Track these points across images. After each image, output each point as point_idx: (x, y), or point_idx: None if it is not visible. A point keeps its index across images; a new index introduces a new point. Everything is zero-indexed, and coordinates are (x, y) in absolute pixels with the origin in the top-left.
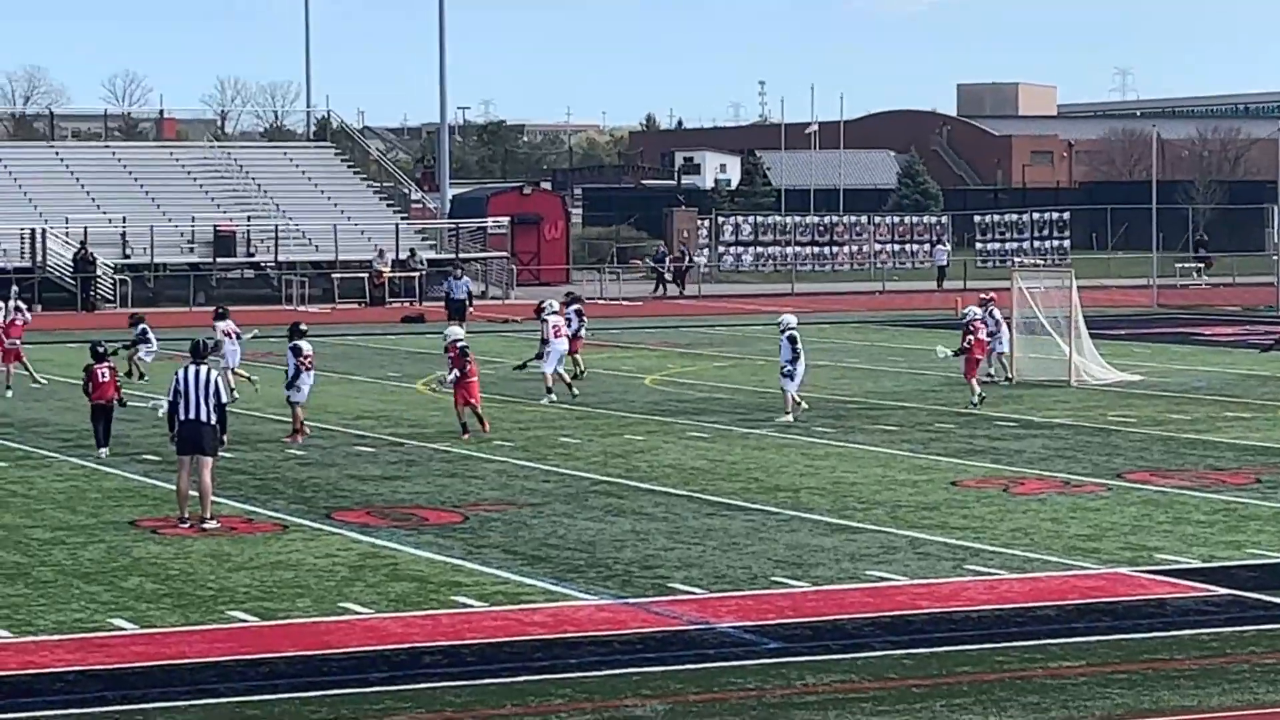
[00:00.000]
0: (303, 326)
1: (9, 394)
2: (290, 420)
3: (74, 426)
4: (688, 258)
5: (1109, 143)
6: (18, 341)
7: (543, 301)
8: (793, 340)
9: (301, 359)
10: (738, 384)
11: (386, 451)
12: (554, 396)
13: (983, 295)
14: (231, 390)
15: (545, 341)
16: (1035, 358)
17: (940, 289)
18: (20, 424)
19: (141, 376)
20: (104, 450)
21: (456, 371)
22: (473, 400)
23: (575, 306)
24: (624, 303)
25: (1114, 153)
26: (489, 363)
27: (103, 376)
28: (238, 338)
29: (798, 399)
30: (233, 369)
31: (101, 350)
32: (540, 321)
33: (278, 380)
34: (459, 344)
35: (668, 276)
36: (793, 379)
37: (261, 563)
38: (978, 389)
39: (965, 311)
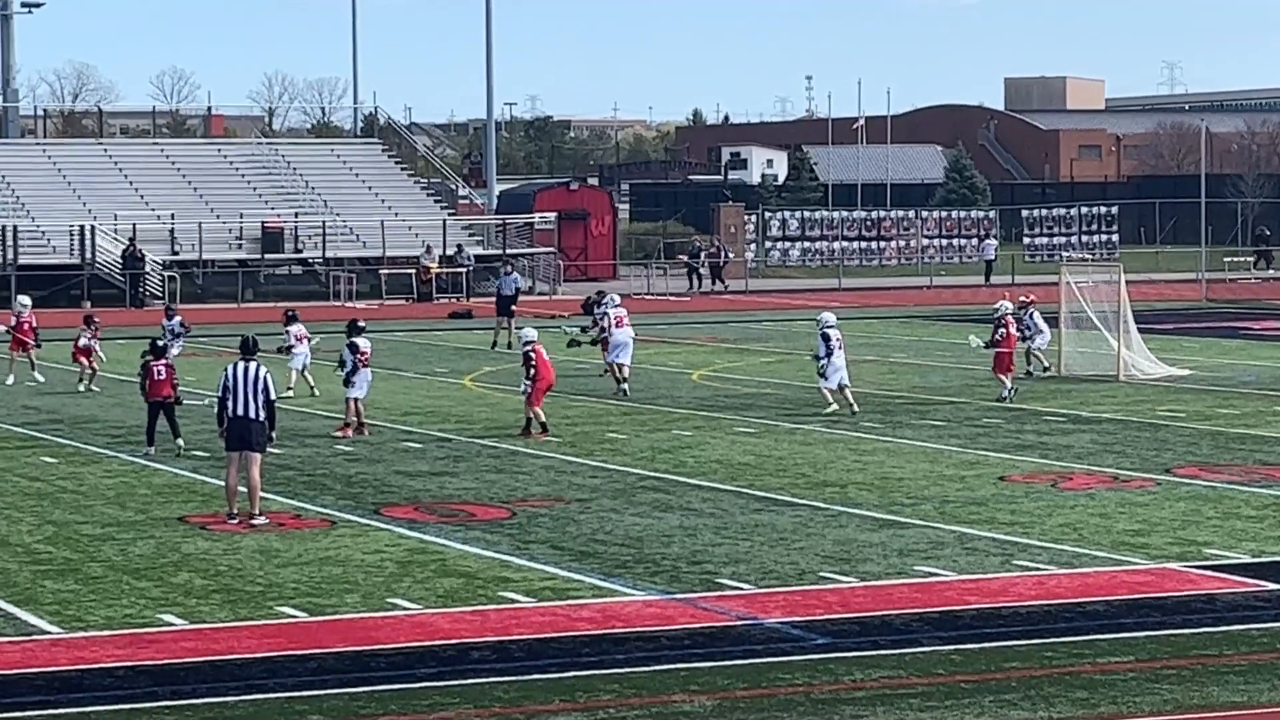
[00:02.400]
0: (361, 323)
1: (10, 380)
2: (342, 415)
3: (123, 423)
4: (724, 253)
5: (1157, 137)
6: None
7: (590, 295)
8: (825, 338)
9: (359, 355)
10: (785, 379)
11: (434, 447)
12: (622, 389)
13: (1022, 297)
14: (290, 387)
15: (605, 330)
16: (1084, 352)
17: (988, 284)
18: (70, 420)
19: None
20: (151, 448)
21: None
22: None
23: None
24: (671, 298)
25: (1162, 147)
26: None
27: (158, 374)
28: (309, 340)
29: (828, 395)
30: (302, 370)
31: (161, 346)
32: (598, 314)
33: (323, 376)
34: (531, 344)
35: (702, 271)
36: (825, 376)
37: (310, 558)
38: (1008, 383)
39: (997, 306)
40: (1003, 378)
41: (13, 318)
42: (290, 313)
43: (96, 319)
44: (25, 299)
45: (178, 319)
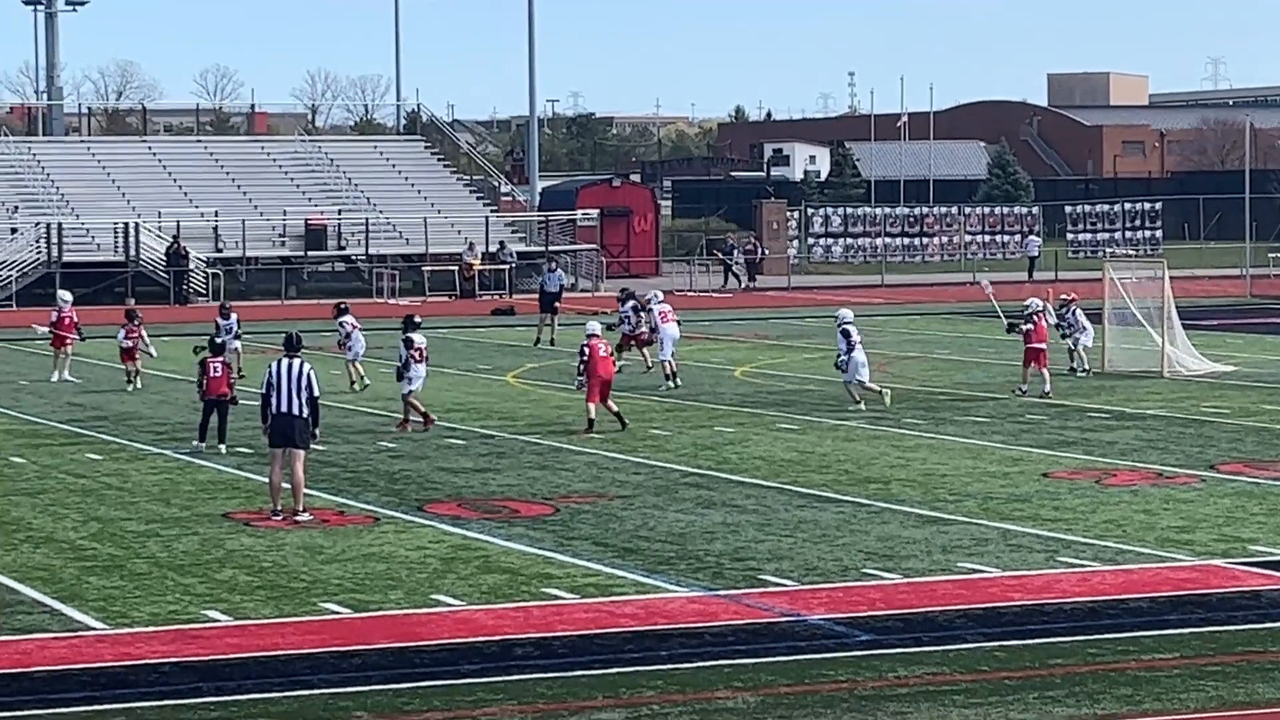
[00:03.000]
0: (416, 319)
1: (57, 378)
2: (396, 412)
3: (167, 420)
4: (759, 250)
5: (1201, 133)
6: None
7: (629, 291)
8: (845, 334)
9: (413, 350)
10: (828, 376)
11: (477, 444)
12: (673, 383)
13: (1064, 295)
14: (363, 378)
15: (655, 329)
16: (1128, 349)
17: (1031, 280)
18: (115, 417)
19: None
20: (201, 444)
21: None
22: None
23: (631, 303)
24: (714, 295)
25: (1206, 142)
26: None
27: (215, 371)
28: (359, 330)
29: (855, 393)
30: (356, 361)
31: (220, 344)
32: (644, 312)
33: (373, 373)
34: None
35: (736, 269)
36: (843, 370)
37: (354, 555)
38: (1032, 380)
39: (1029, 302)
40: (1044, 371)
41: (54, 314)
42: (341, 305)
43: (139, 314)
44: (66, 294)
45: (234, 317)
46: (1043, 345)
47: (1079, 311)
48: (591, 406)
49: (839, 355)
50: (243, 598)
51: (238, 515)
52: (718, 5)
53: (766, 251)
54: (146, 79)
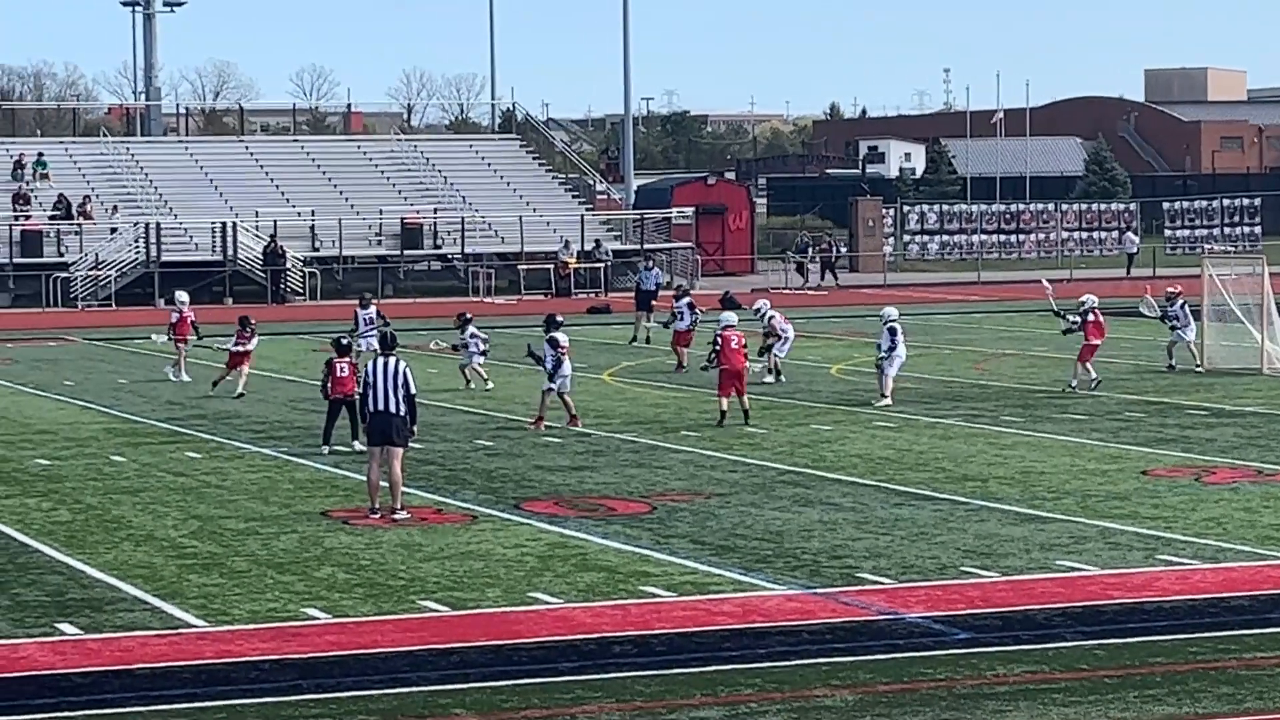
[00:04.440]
0: (559, 317)
1: (185, 378)
2: (533, 408)
3: (266, 418)
4: (834, 248)
5: None
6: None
7: (685, 288)
8: (892, 331)
9: (559, 350)
10: (924, 373)
11: (573, 442)
12: (784, 379)
13: (1170, 289)
14: (485, 380)
15: (775, 335)
16: (1226, 345)
17: (1130, 277)
18: (213, 416)
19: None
20: (325, 447)
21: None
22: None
23: (687, 299)
24: (809, 292)
25: None
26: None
27: (341, 371)
28: (484, 341)
29: (885, 391)
30: (476, 366)
31: (345, 344)
32: (762, 318)
33: (453, 375)
34: (729, 329)
35: (811, 267)
36: (887, 368)
37: (451, 553)
38: (1092, 371)
39: (1083, 299)
40: (1088, 366)
41: (173, 315)
42: (464, 315)
43: (253, 322)
44: (184, 295)
45: (374, 309)
46: (1098, 342)
47: (1185, 306)
48: (724, 400)
49: (881, 352)
50: (341, 595)
51: (336, 513)
52: (812, 2)
53: (843, 250)
54: (243, 79)
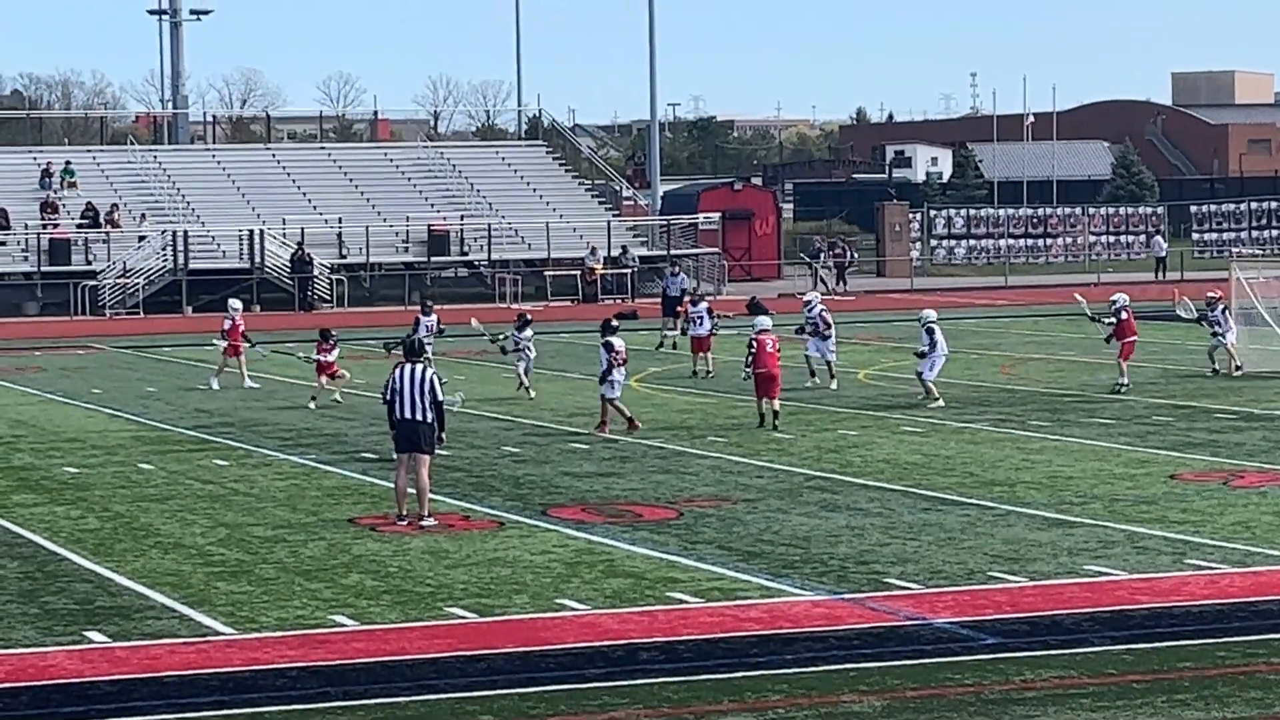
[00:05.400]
0: (614, 323)
1: (251, 384)
2: (599, 412)
3: (293, 425)
4: (849, 253)
5: None
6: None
7: (701, 294)
8: (930, 332)
9: (613, 354)
10: (951, 378)
11: (600, 448)
12: (826, 382)
13: (1210, 293)
14: (528, 389)
15: (814, 332)
16: (1255, 349)
17: (1162, 280)
18: (241, 423)
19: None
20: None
21: (750, 366)
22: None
23: (705, 304)
24: (836, 297)
25: None
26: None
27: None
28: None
29: (931, 389)
30: (525, 371)
31: (415, 345)
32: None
33: (480, 381)
34: (764, 333)
35: (823, 273)
36: (926, 371)
37: (479, 559)
38: (1124, 372)
39: (1114, 298)
40: (1123, 364)
41: (226, 322)
42: (524, 316)
43: (334, 333)
44: (236, 303)
45: (435, 316)
46: (1135, 338)
47: (1226, 310)
48: (763, 402)
49: (924, 349)
50: (369, 602)
51: (363, 520)
52: (838, 7)
53: (856, 256)
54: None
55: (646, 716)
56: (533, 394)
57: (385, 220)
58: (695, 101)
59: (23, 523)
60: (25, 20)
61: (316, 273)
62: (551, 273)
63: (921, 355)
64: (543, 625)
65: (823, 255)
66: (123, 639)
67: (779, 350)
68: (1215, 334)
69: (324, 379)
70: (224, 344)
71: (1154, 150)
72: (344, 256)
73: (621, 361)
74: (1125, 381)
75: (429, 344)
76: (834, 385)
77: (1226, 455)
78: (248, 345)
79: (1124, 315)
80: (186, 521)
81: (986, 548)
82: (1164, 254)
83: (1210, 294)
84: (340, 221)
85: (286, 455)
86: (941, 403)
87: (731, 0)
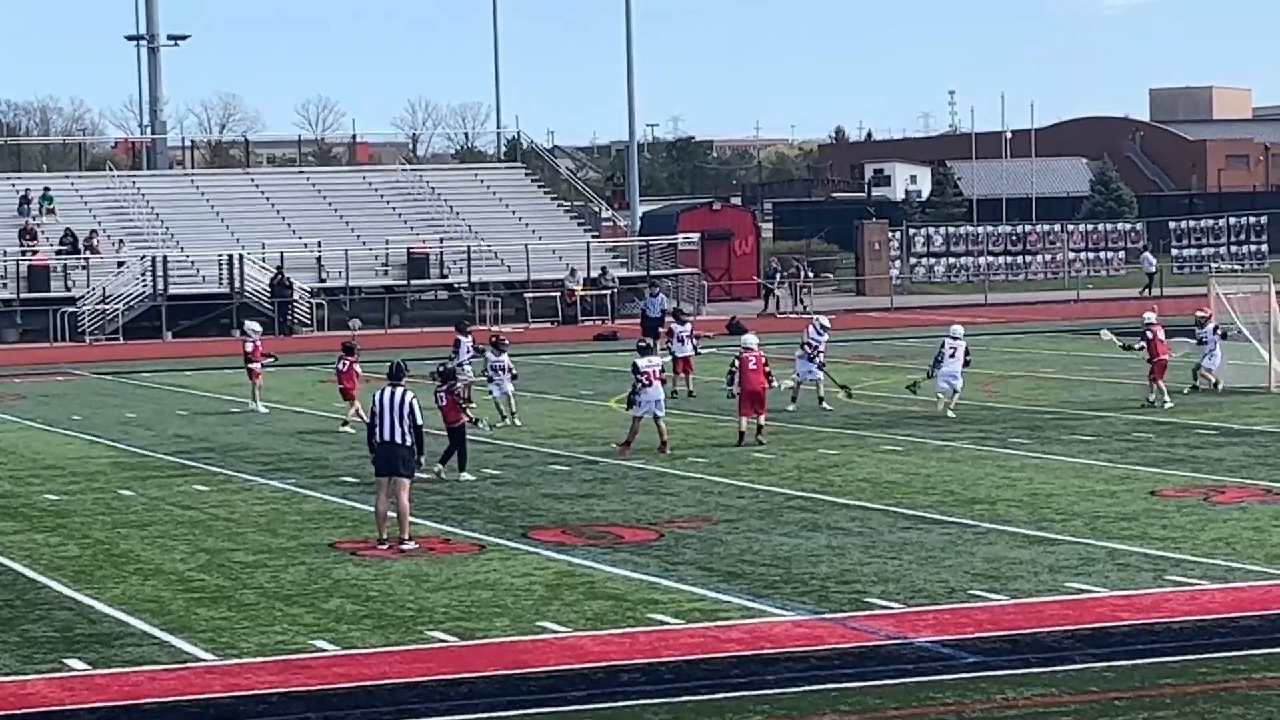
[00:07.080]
0: (644, 344)
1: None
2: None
3: (274, 450)
4: (803, 274)
5: None
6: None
7: (683, 313)
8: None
9: (641, 375)
10: (932, 397)
11: (581, 470)
12: (833, 400)
13: (1199, 312)
14: (514, 415)
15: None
16: (1234, 364)
17: (1153, 296)
18: (221, 449)
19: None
20: (457, 470)
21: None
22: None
23: (688, 326)
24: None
25: None
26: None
27: (441, 401)
28: (511, 371)
29: (947, 400)
30: (505, 396)
31: (450, 372)
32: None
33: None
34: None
35: (779, 294)
36: (950, 380)
37: (459, 583)
38: (1163, 388)
39: (1145, 316)
40: (1160, 384)
41: (247, 344)
42: (496, 338)
43: (357, 345)
44: (255, 325)
45: (471, 338)
46: (1167, 357)
47: (1217, 329)
48: (743, 420)
49: (935, 365)
50: (350, 627)
51: (344, 545)
52: (816, 27)
53: (813, 276)
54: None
55: None
56: (519, 422)
57: (364, 243)
58: (674, 122)
59: (2, 550)
60: (3, 47)
61: (296, 297)
62: (531, 294)
63: (941, 372)
64: (524, 648)
65: (778, 275)
66: (103, 666)
67: (765, 366)
68: (1210, 352)
69: (354, 410)
70: (257, 365)
71: (1132, 166)
72: (323, 280)
73: (648, 382)
74: (1168, 401)
75: (468, 367)
76: (826, 405)
77: (1207, 471)
78: (271, 360)
79: (1150, 335)
80: (167, 547)
81: (967, 566)
82: (1153, 269)
83: (1199, 312)
84: (320, 245)
85: (267, 480)
86: (951, 415)
87: (710, 21)
